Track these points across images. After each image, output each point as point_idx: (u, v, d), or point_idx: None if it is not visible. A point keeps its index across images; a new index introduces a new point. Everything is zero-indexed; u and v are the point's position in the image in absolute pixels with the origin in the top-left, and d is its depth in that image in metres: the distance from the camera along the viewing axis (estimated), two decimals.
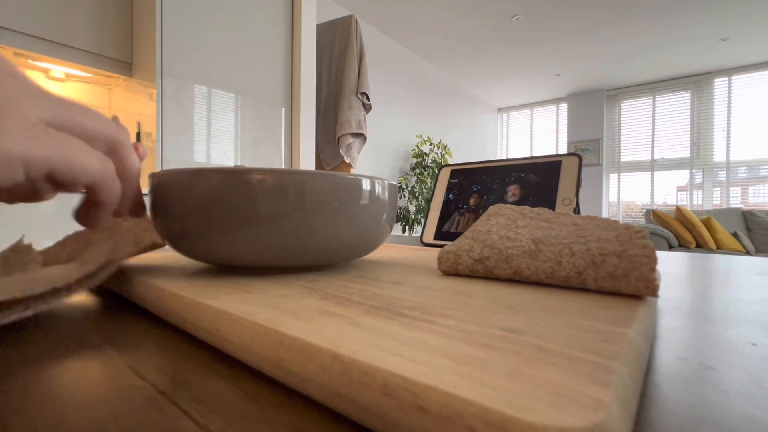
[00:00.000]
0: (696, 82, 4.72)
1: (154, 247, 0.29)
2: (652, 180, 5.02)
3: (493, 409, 0.09)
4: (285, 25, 2.12)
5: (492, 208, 0.31)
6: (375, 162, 3.61)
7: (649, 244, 0.20)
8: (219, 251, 0.24)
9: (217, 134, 1.76)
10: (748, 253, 3.28)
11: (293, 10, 2.15)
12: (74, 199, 1.45)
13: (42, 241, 1.31)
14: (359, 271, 0.28)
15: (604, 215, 5.16)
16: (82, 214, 0.22)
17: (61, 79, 1.72)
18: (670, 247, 3.30)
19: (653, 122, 5.00)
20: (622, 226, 0.23)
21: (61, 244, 0.32)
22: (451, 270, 0.26)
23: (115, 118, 0.24)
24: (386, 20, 3.48)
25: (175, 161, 1.62)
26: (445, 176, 0.60)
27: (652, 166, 5.01)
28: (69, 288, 0.22)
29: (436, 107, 4.52)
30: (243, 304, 0.18)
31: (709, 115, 4.67)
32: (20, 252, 0.29)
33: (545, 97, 5.71)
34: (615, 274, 0.20)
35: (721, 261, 0.47)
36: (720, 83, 4.61)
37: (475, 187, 0.55)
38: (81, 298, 0.28)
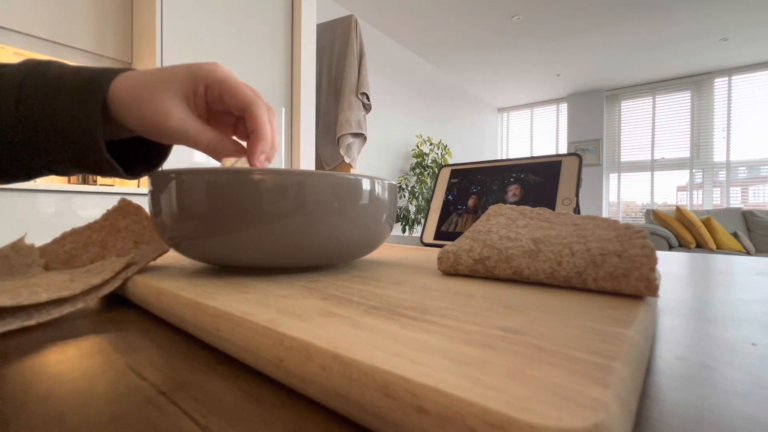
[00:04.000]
0: (696, 82, 4.72)
1: (162, 253, 0.29)
2: (652, 180, 5.02)
3: (493, 410, 0.09)
4: (285, 25, 2.12)
5: (492, 208, 0.31)
6: (375, 162, 3.61)
7: (649, 244, 0.20)
8: (219, 251, 0.24)
9: None
10: (748, 253, 3.28)
11: (293, 10, 2.15)
12: (71, 200, 1.45)
13: (42, 240, 1.31)
14: (359, 271, 0.28)
15: (604, 215, 5.14)
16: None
17: None
18: (670, 247, 3.30)
19: (653, 122, 4.99)
20: (622, 226, 0.23)
21: (59, 242, 0.32)
22: (451, 270, 0.26)
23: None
24: (386, 20, 3.48)
25: (175, 161, 1.62)
26: (445, 176, 0.60)
27: (652, 166, 5.01)
28: (74, 299, 0.22)
29: (436, 107, 4.52)
30: (243, 304, 0.18)
31: (709, 115, 4.66)
32: (22, 252, 0.29)
33: (545, 97, 5.71)
34: (615, 274, 0.20)
35: (721, 261, 0.47)
36: (720, 83, 4.60)
37: (475, 187, 0.55)
38: None
